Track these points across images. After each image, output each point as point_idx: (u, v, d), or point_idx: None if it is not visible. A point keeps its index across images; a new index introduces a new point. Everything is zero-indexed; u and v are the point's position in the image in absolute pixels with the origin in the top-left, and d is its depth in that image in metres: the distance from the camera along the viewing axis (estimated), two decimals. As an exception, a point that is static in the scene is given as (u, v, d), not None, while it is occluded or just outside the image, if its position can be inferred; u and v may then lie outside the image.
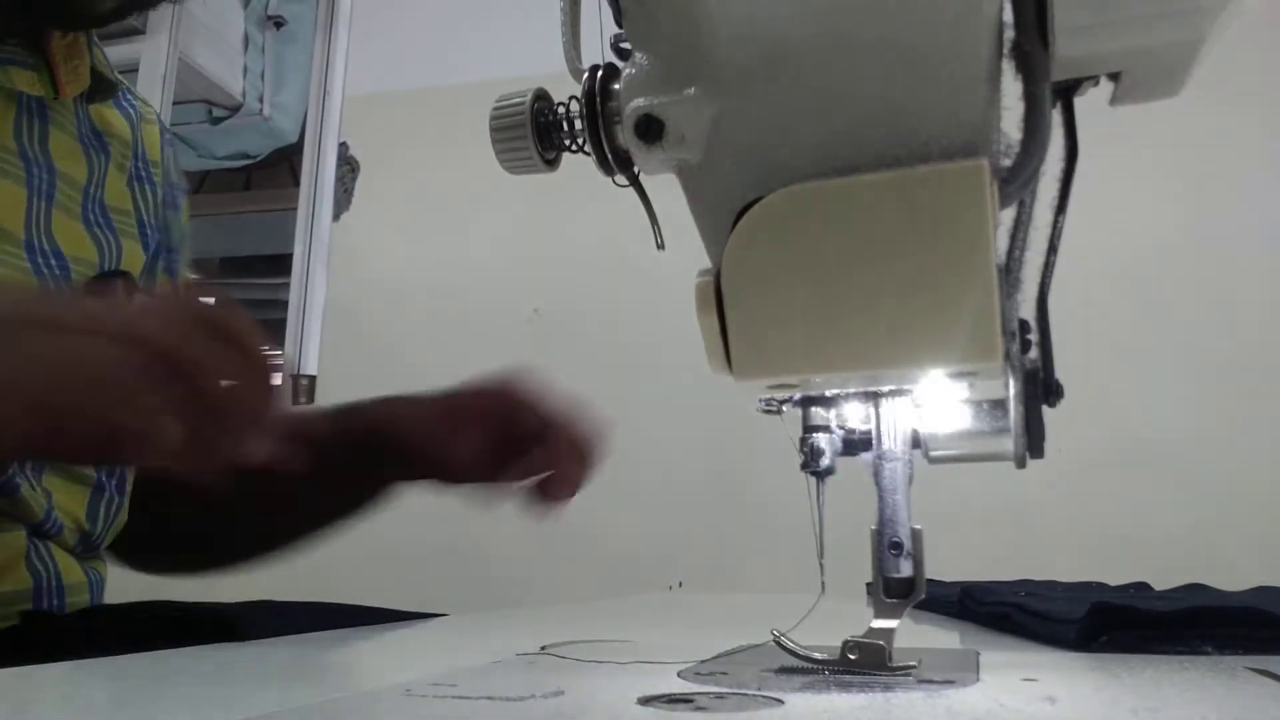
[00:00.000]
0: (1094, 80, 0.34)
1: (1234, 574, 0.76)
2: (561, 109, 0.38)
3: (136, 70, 1.63)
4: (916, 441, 0.37)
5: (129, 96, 0.72)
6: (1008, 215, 0.35)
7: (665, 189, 0.38)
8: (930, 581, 0.36)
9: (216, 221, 2.15)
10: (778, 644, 0.35)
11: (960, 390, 0.36)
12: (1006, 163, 0.32)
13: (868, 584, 0.60)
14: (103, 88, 0.67)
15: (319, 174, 1.93)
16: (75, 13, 0.61)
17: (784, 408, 0.38)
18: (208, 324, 0.41)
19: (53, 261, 0.60)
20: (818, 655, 0.34)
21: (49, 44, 0.62)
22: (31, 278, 0.58)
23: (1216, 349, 1.60)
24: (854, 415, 0.38)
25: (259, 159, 2.05)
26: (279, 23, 1.97)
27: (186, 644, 0.41)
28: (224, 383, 0.41)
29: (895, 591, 0.35)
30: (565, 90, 0.38)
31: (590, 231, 1.78)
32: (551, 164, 0.39)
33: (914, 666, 0.33)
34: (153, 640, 0.41)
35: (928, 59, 0.30)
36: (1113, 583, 0.76)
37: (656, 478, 1.60)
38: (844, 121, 0.32)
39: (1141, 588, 0.74)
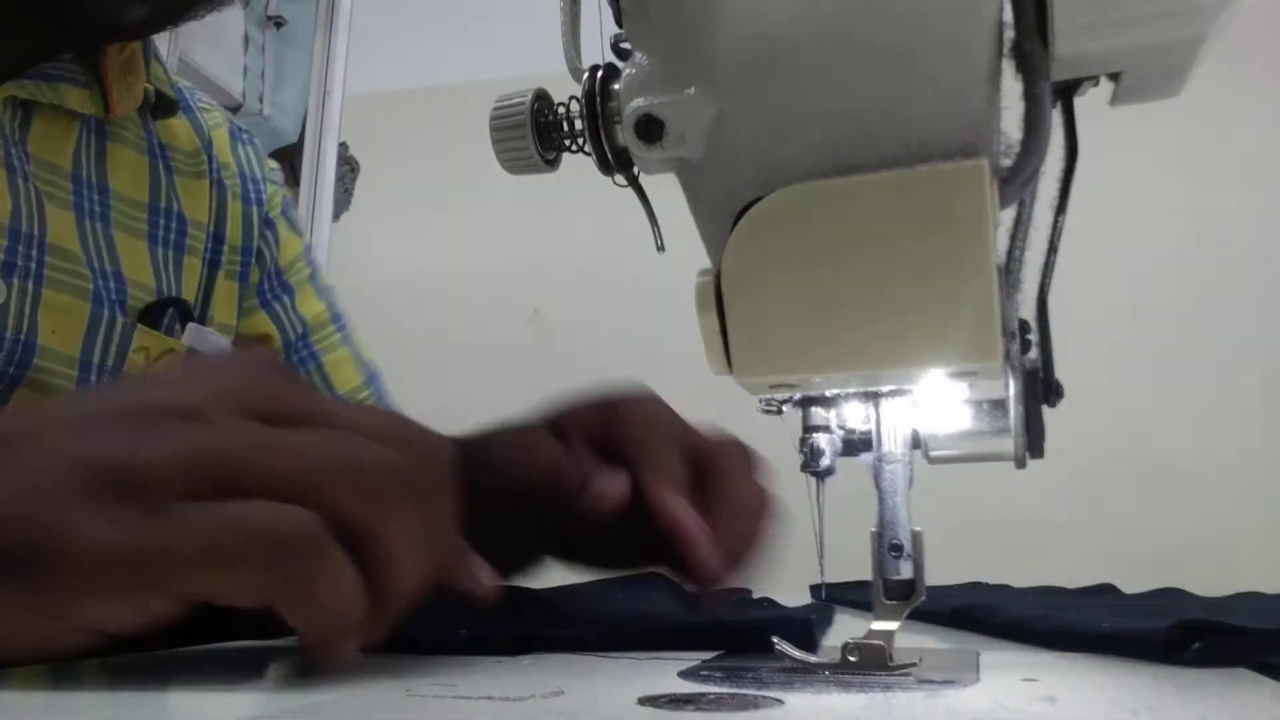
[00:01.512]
0: (1094, 80, 0.34)
1: (1235, 577, 0.76)
2: (561, 109, 0.38)
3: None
4: (917, 442, 0.37)
5: (196, 105, 0.71)
6: (1008, 215, 0.35)
7: (665, 189, 0.38)
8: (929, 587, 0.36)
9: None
10: (778, 646, 0.35)
11: (960, 390, 0.36)
12: (1006, 163, 0.32)
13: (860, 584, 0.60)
14: (164, 105, 0.66)
15: (319, 174, 1.93)
16: (98, 27, 0.58)
17: (784, 408, 0.38)
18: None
19: (112, 284, 0.59)
20: (813, 659, 0.34)
21: (103, 61, 0.60)
22: (88, 300, 0.57)
23: (1216, 348, 1.60)
24: (854, 415, 0.38)
25: (259, 159, 2.05)
26: (279, 23, 1.96)
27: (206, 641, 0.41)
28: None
29: (895, 594, 0.35)
30: (565, 90, 0.38)
31: (590, 232, 1.79)
32: (551, 164, 0.39)
33: (914, 666, 0.33)
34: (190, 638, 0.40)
35: (927, 59, 0.30)
36: (1124, 587, 0.71)
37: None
38: (844, 121, 0.32)
39: (1106, 590, 0.71)
